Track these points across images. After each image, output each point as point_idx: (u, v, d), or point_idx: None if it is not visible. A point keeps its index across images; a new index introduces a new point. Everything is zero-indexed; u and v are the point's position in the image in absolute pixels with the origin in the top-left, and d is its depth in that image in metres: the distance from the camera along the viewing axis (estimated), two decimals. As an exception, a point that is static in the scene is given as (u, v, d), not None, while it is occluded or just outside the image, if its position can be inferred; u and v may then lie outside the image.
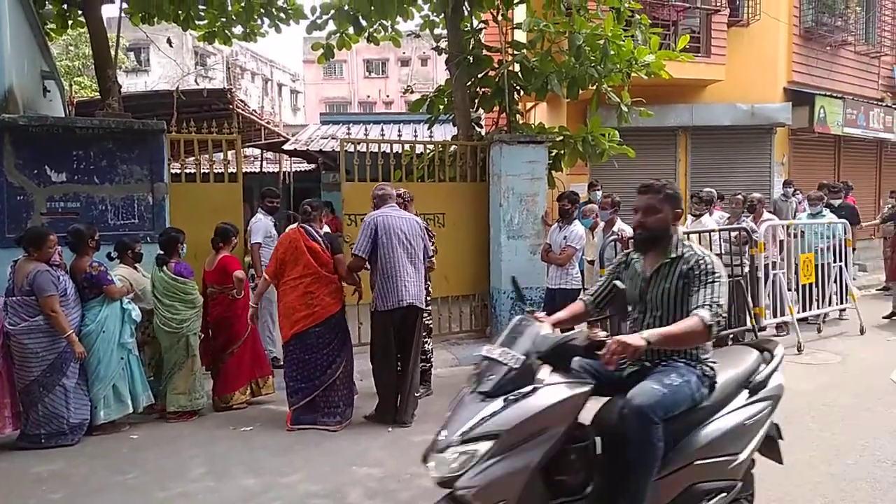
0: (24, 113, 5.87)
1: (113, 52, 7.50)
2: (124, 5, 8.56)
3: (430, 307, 5.91)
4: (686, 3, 11.40)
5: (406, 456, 4.50)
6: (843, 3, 13.42)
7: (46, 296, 4.65)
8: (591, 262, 6.70)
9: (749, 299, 7.04)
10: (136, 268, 5.45)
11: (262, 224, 6.75)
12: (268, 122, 16.15)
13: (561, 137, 8.22)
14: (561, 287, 6.38)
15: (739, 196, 7.83)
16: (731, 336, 7.18)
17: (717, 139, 12.07)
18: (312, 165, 17.22)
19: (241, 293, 5.56)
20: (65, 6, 9.24)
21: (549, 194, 7.90)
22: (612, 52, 7.59)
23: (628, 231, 6.30)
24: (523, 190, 7.47)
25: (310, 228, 5.36)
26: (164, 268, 5.34)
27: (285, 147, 13.70)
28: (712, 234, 6.85)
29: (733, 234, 7.13)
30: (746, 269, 7.09)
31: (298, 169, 18.28)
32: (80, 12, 9.05)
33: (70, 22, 9.62)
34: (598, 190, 8.54)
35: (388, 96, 38.19)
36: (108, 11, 8.80)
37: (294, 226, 5.48)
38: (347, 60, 37.36)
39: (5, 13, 5.56)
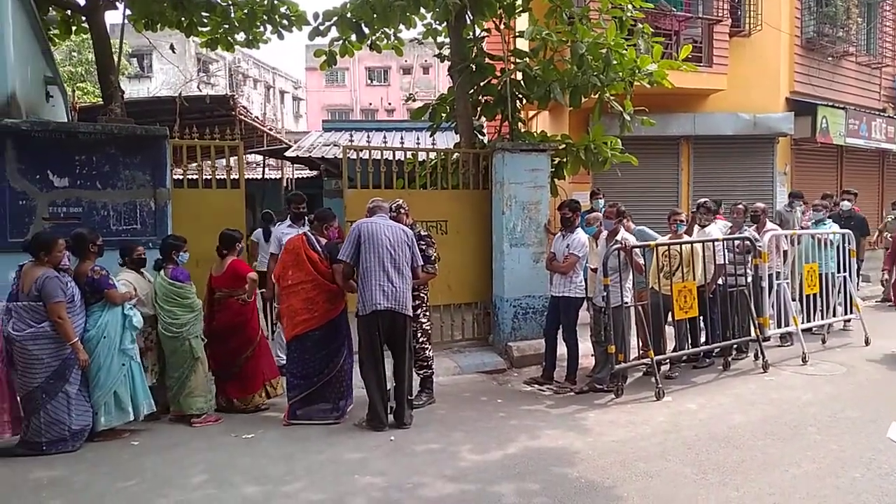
0: (26, 118, 5.85)
1: (116, 59, 7.50)
2: (128, 11, 8.57)
3: (427, 313, 5.90)
4: (688, 13, 11.43)
5: (409, 465, 4.46)
6: (844, 14, 13.44)
7: (54, 302, 4.61)
8: (594, 270, 6.67)
9: (753, 309, 7.01)
10: (141, 273, 5.43)
11: (279, 234, 6.62)
12: (270, 129, 16.16)
13: (563, 145, 8.21)
14: (564, 295, 6.36)
15: (741, 206, 7.80)
16: (736, 346, 7.16)
17: (720, 148, 12.07)
18: (314, 172, 17.22)
19: (251, 297, 5.62)
20: (68, 12, 9.27)
21: (551, 202, 7.89)
22: (615, 61, 7.60)
23: (632, 240, 6.28)
24: (526, 198, 7.46)
25: (311, 237, 5.46)
26: (161, 273, 5.38)
27: (287, 154, 13.68)
28: (716, 243, 6.83)
29: (736, 243, 7.10)
30: (750, 279, 7.06)
31: (300, 176, 18.28)
32: (83, 18, 9.08)
33: (74, 28, 9.65)
34: (601, 198, 8.52)
35: (389, 104, 38.29)
36: (112, 17, 8.84)
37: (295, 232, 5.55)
38: (349, 68, 37.47)
39: (8, 19, 5.55)
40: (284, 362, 6.06)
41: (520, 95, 8.26)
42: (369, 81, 39.85)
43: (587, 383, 6.31)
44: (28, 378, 4.66)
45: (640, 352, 6.70)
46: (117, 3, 8.63)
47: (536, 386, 6.48)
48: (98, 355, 4.85)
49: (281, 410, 5.62)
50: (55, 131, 5.75)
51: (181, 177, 6.57)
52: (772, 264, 7.35)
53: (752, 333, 6.97)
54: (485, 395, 6.27)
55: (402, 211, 5.73)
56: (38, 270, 4.68)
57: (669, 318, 6.69)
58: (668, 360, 6.68)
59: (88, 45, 19.41)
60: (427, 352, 5.86)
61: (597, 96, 7.91)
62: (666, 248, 6.58)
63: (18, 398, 4.75)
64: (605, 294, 5.98)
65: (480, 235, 7.70)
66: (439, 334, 7.49)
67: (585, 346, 6.66)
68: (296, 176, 18.05)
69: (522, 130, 8.52)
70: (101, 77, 8.42)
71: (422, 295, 5.78)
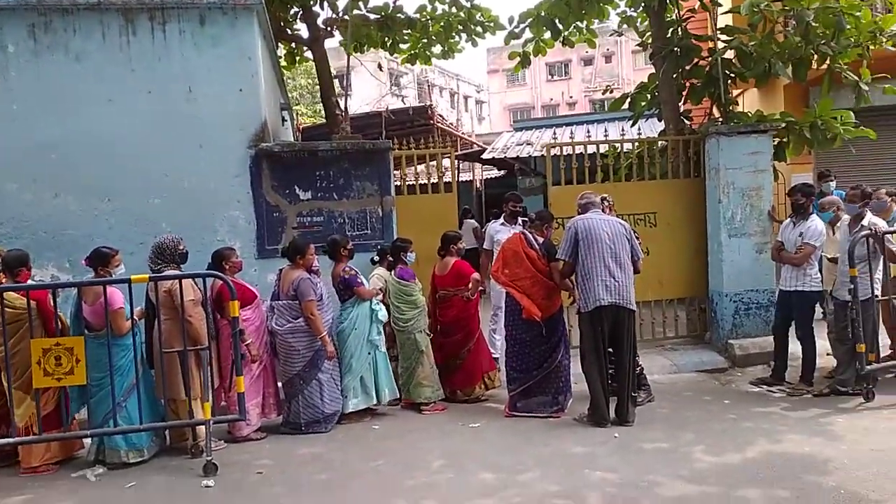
0: (272, 141, 6.69)
1: (342, 82, 8.32)
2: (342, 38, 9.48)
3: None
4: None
5: (640, 463, 4.40)
6: None
7: (307, 300, 5.25)
8: (832, 261, 6.02)
9: None
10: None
11: (492, 231, 6.84)
12: (463, 134, 16.83)
13: (784, 124, 7.51)
14: (797, 289, 5.82)
15: None
16: None
17: None
18: (503, 172, 17.59)
19: (474, 294, 5.95)
20: (293, 45, 10.48)
21: (773, 187, 7.25)
22: (849, 26, 6.79)
23: (882, 224, 5.57)
24: (745, 184, 6.93)
25: (529, 236, 5.59)
26: (392, 273, 5.88)
27: (484, 156, 14.17)
28: None
29: None
30: None
31: (489, 176, 18.78)
32: (304, 48, 10.21)
33: (297, 58, 10.89)
34: (832, 180, 7.67)
35: (571, 97, 37.83)
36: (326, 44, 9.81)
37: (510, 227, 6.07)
38: (530, 66, 37.66)
39: (259, 58, 6.40)
40: (497, 356, 6.33)
41: (732, 75, 7.71)
42: (550, 77, 39.73)
43: (828, 385, 5.72)
44: (288, 366, 5.37)
45: (891, 351, 5.98)
46: (334, 33, 9.60)
47: (765, 387, 6.01)
48: (350, 345, 5.49)
49: (498, 402, 5.86)
50: (300, 151, 6.53)
51: (399, 183, 7.07)
52: None
53: None
54: (708, 394, 5.96)
55: (607, 203, 5.72)
56: (294, 273, 5.36)
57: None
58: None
59: (301, 71, 21.73)
60: None
61: (825, 67, 7.13)
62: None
63: (280, 384, 5.49)
64: (851, 287, 5.36)
65: (693, 226, 7.30)
66: (650, 331, 7.27)
67: (820, 344, 6.04)
68: (484, 176, 18.57)
69: (735, 111, 7.95)
70: (323, 99, 9.40)
71: None
